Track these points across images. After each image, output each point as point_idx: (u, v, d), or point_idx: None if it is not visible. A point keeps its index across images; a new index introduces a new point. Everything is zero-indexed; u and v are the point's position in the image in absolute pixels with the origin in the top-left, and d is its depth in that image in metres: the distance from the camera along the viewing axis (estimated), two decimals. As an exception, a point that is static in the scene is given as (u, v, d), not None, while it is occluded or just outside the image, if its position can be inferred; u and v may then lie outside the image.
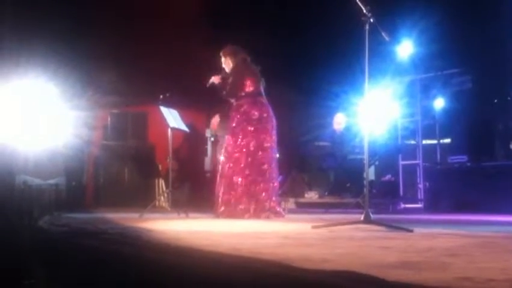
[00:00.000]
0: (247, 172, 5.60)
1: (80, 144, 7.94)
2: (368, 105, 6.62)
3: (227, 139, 5.79)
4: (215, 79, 5.94)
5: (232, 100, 5.87)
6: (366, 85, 4.04)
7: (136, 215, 5.66)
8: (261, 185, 5.62)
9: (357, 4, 4.00)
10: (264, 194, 5.60)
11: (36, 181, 7.77)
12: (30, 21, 7.05)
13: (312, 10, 8.75)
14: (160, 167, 8.77)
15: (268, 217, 5.47)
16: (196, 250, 2.45)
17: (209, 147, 9.31)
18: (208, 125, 8.88)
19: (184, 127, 6.69)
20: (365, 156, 4.23)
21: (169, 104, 6.51)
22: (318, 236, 3.33)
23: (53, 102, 7.34)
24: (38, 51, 6.91)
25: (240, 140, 5.67)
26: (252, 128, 5.69)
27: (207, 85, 5.97)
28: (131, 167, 8.52)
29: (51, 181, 8.54)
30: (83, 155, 8.35)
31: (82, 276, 2.51)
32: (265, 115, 5.75)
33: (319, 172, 8.81)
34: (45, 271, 2.73)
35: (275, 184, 5.83)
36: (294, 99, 9.30)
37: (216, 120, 6.58)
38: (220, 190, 5.63)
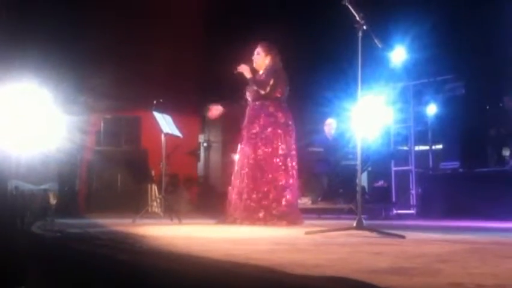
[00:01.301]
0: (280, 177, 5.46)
1: (73, 149, 7.91)
2: (361, 111, 6.67)
3: (250, 139, 5.54)
4: (246, 71, 5.58)
5: (249, 99, 5.68)
6: (359, 91, 4.07)
7: (129, 221, 5.66)
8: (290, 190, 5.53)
9: (350, 11, 4.02)
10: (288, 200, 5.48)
11: (28, 186, 7.74)
12: (23, 25, 7.04)
13: (304, 16, 8.80)
14: (153, 172, 8.76)
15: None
16: (189, 256, 2.45)
17: (202, 152, 9.31)
18: (202, 131, 8.88)
19: (177, 132, 6.68)
20: (358, 162, 4.24)
21: (162, 109, 6.51)
22: (311, 242, 3.34)
23: (46, 106, 7.33)
24: (31, 55, 6.90)
25: (271, 142, 5.49)
26: (281, 131, 5.53)
27: (235, 71, 5.61)
28: (124, 172, 8.50)
29: (44, 186, 8.51)
30: (76, 160, 8.32)
31: (75, 281, 2.51)
32: (290, 122, 5.63)
33: (312, 178, 8.83)
34: (38, 276, 2.72)
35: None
36: (287, 104, 9.31)
37: (217, 109, 6.09)
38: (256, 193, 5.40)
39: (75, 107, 7.78)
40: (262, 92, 5.57)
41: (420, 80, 9.18)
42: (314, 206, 8.08)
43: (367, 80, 6.93)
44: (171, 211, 6.24)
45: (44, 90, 7.23)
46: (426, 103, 9.08)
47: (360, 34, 4.01)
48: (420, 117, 9.26)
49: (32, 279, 2.90)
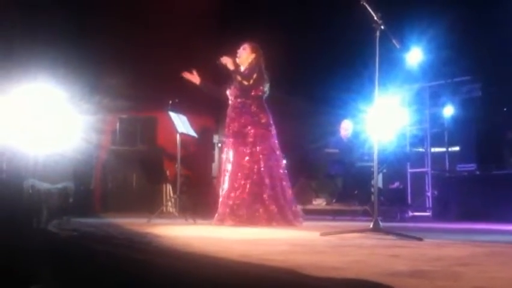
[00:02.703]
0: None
1: (89, 148, 7.96)
2: (377, 113, 6.62)
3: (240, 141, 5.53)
4: (229, 63, 5.58)
5: (231, 97, 5.66)
6: (376, 92, 4.03)
7: (143, 220, 5.67)
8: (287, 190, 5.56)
9: (367, 11, 3.98)
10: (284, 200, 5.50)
11: (44, 185, 7.80)
12: (40, 27, 7.10)
13: (320, 17, 8.76)
14: (167, 172, 8.78)
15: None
16: (206, 256, 2.44)
17: (216, 153, 9.31)
18: (217, 131, 8.87)
19: (192, 132, 6.69)
20: (375, 164, 4.20)
21: (178, 110, 6.52)
22: (327, 244, 3.32)
23: (62, 106, 7.38)
24: (48, 56, 6.96)
25: (253, 142, 5.50)
26: (263, 131, 5.54)
27: (218, 62, 5.59)
28: (139, 172, 8.52)
29: (60, 185, 8.56)
30: (92, 159, 8.37)
31: (91, 280, 2.51)
32: (271, 122, 5.62)
33: (327, 179, 8.80)
34: (53, 274, 2.73)
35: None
36: (302, 106, 9.30)
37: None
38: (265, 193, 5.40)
39: (90, 107, 7.83)
40: (246, 83, 5.59)
41: (436, 81, 9.10)
42: (329, 207, 8.05)
43: (383, 81, 6.88)
44: (186, 211, 6.25)
45: (60, 90, 7.29)
46: (443, 105, 9.00)
47: (377, 34, 3.97)
48: (436, 119, 9.18)
49: (47, 277, 2.91)
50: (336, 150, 8.18)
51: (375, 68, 3.98)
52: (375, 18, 3.96)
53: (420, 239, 3.55)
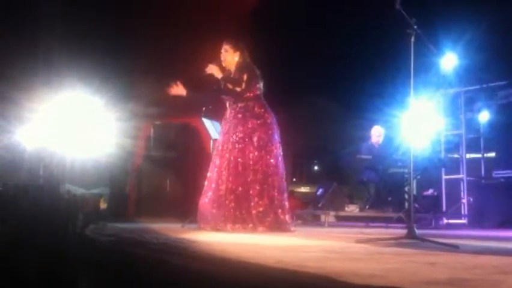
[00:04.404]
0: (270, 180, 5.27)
1: (124, 154, 8.09)
2: (411, 118, 6.56)
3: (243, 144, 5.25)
4: (215, 70, 5.35)
5: (228, 101, 5.46)
6: (411, 98, 4.01)
7: (177, 226, 5.72)
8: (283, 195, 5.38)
9: (403, 16, 3.96)
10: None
11: (80, 190, 7.96)
12: (77, 38, 7.26)
13: (352, 23, 8.74)
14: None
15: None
16: (241, 262, 2.46)
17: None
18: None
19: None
20: (410, 170, 4.17)
21: (211, 116, 6.57)
22: (363, 251, 3.30)
23: (98, 113, 7.53)
24: (84, 65, 7.11)
25: (264, 146, 5.28)
26: (270, 132, 5.34)
27: (204, 73, 5.39)
28: (173, 178, 8.61)
29: (95, 190, 8.73)
30: (127, 165, 8.50)
31: (129, 285, 2.55)
32: (274, 120, 5.42)
33: (360, 185, 8.74)
34: (91, 280, 2.79)
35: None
36: (335, 111, 9.27)
37: (178, 88, 5.63)
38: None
39: (125, 114, 7.96)
40: (239, 89, 5.34)
41: (472, 87, 8.96)
42: (362, 214, 7.99)
43: (417, 86, 6.82)
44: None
45: (96, 97, 7.44)
46: (479, 110, 8.86)
47: (412, 39, 3.95)
48: (472, 125, 9.04)
49: (85, 283, 2.97)
50: (369, 156, 8.12)
51: (410, 73, 3.95)
52: (411, 23, 3.93)
53: (456, 247, 3.50)
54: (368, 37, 8.52)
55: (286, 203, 5.33)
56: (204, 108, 6.43)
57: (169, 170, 8.52)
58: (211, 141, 6.37)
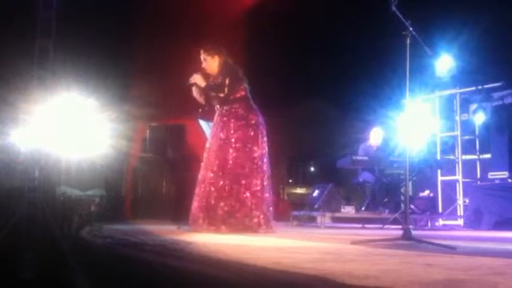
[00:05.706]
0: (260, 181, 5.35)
1: (120, 156, 8.07)
2: (407, 120, 6.58)
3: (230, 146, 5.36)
4: (198, 80, 5.46)
5: (217, 106, 5.52)
6: (407, 99, 4.01)
7: (173, 227, 5.71)
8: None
9: (398, 18, 3.97)
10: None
11: (75, 192, 7.93)
12: (72, 39, 7.24)
13: (349, 25, 8.75)
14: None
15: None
16: (238, 263, 2.46)
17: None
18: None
19: (221, 140, 6.71)
20: (406, 171, 4.17)
21: (207, 117, 6.57)
22: (359, 252, 3.30)
23: (94, 115, 7.51)
24: (80, 66, 7.09)
25: (243, 147, 5.35)
26: (253, 133, 5.39)
27: (187, 85, 5.51)
28: (168, 179, 8.60)
29: (90, 192, 8.70)
30: (122, 167, 8.48)
31: (127, 287, 2.55)
32: (261, 121, 5.48)
33: (356, 186, 8.75)
34: (87, 282, 2.78)
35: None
36: (331, 113, 9.28)
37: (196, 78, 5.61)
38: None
39: (121, 115, 7.94)
40: (222, 95, 5.44)
41: (467, 88, 8.98)
42: (358, 215, 7.99)
43: (413, 88, 6.83)
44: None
45: (91, 99, 7.42)
46: (474, 111, 8.88)
47: (408, 41, 3.96)
48: (467, 126, 9.06)
49: (81, 284, 2.96)
50: (365, 158, 8.13)
51: (406, 74, 3.96)
52: (407, 25, 3.94)
53: (453, 249, 3.51)
54: (364, 39, 8.53)
55: (266, 204, 5.34)
56: (200, 110, 6.42)
57: (164, 172, 8.51)
58: (207, 142, 6.36)
